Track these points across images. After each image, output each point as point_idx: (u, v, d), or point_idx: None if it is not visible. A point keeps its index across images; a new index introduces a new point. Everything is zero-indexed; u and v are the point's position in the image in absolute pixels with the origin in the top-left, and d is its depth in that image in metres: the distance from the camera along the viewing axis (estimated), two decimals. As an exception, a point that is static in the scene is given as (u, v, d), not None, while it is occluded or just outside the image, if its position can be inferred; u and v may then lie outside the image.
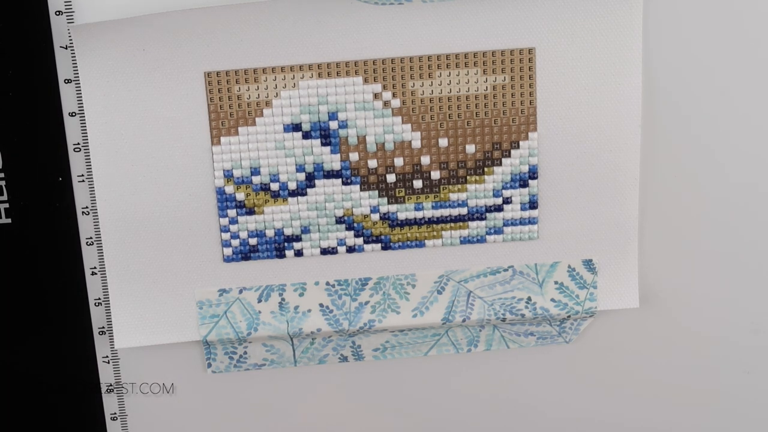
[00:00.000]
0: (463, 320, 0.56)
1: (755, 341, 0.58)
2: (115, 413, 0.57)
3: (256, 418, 0.58)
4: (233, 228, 0.53)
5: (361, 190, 0.53)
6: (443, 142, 0.53)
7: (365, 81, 0.51)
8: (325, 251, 0.54)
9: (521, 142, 0.53)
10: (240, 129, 0.52)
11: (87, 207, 0.53)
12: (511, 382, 0.59)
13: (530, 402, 0.59)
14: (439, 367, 0.58)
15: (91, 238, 0.53)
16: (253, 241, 0.53)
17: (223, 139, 0.52)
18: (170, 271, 0.53)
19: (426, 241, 0.54)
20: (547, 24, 0.51)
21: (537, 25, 0.51)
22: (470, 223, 0.54)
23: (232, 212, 0.53)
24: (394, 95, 0.52)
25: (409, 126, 0.52)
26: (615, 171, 0.54)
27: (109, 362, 0.56)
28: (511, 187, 0.54)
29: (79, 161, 0.52)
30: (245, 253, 0.54)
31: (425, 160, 0.53)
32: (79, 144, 0.52)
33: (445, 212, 0.54)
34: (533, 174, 0.53)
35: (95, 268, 0.54)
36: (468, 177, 0.53)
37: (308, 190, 0.53)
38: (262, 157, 0.52)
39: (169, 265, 0.53)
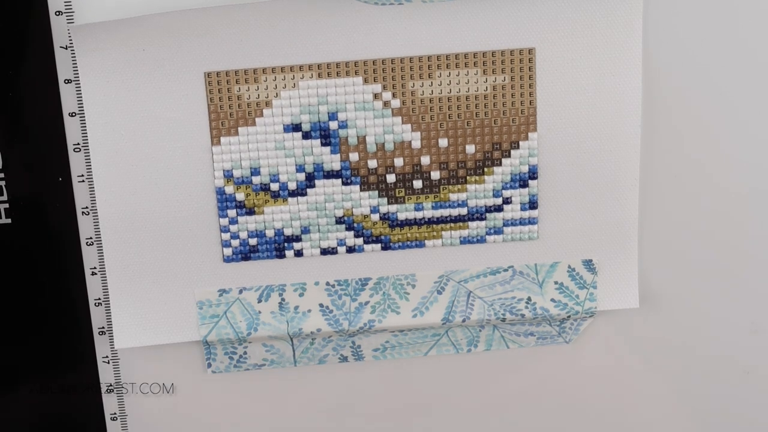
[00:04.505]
0: (463, 320, 0.56)
1: (755, 342, 0.58)
2: (115, 413, 0.57)
3: (256, 418, 0.58)
4: (233, 228, 0.53)
5: (361, 190, 0.53)
6: (443, 142, 0.52)
7: (365, 81, 0.51)
8: (325, 251, 0.54)
9: (521, 143, 0.53)
10: (240, 129, 0.52)
11: (87, 207, 0.53)
12: (511, 382, 0.59)
13: (530, 402, 0.59)
14: (439, 367, 0.58)
15: (91, 238, 0.53)
16: (253, 241, 0.53)
17: (223, 140, 0.52)
18: (170, 271, 0.53)
19: (426, 241, 0.54)
20: (547, 24, 0.51)
21: (537, 25, 0.51)
22: (470, 223, 0.54)
23: (232, 212, 0.53)
24: (394, 95, 0.52)
25: (409, 126, 0.52)
26: (615, 171, 0.53)
27: (109, 362, 0.56)
28: (511, 188, 0.54)
29: (79, 161, 0.52)
30: (245, 254, 0.54)
31: (425, 160, 0.53)
32: (79, 144, 0.52)
33: (445, 212, 0.54)
34: (533, 174, 0.53)
35: (95, 268, 0.54)
36: (468, 177, 0.53)
37: (308, 190, 0.53)
38: (262, 157, 0.52)
39: (169, 265, 0.53)
